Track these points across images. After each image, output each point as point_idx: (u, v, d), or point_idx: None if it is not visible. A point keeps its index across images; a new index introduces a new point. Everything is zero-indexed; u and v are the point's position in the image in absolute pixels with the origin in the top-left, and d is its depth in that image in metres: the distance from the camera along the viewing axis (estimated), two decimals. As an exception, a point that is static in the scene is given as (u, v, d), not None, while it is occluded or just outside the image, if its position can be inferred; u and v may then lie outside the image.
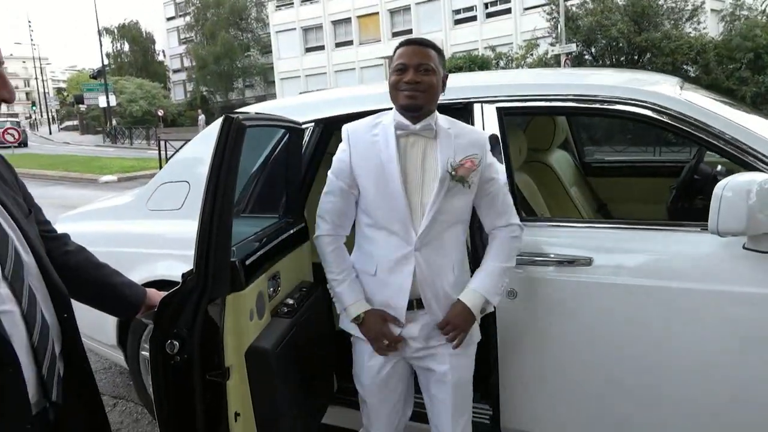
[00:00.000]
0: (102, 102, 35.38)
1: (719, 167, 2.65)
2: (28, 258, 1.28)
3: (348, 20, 36.80)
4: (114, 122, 37.69)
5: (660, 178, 3.15)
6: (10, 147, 21.65)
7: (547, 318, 1.97)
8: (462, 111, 2.19)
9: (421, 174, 1.77)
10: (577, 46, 18.32)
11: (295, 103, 2.81)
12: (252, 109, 2.90)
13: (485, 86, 2.31)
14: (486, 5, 30.83)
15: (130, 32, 55.12)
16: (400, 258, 1.76)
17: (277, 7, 41.09)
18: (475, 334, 1.86)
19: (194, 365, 1.56)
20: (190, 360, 1.55)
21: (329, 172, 1.85)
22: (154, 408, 1.64)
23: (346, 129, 1.86)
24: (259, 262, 1.81)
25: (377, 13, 35.18)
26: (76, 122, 53.57)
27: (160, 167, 13.55)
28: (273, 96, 43.90)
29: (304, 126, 2.28)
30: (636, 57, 18.21)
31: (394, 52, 1.81)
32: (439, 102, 1.79)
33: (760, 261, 1.69)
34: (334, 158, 1.85)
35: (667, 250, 1.86)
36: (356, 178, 1.80)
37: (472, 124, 2.12)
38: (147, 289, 1.63)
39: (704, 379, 1.79)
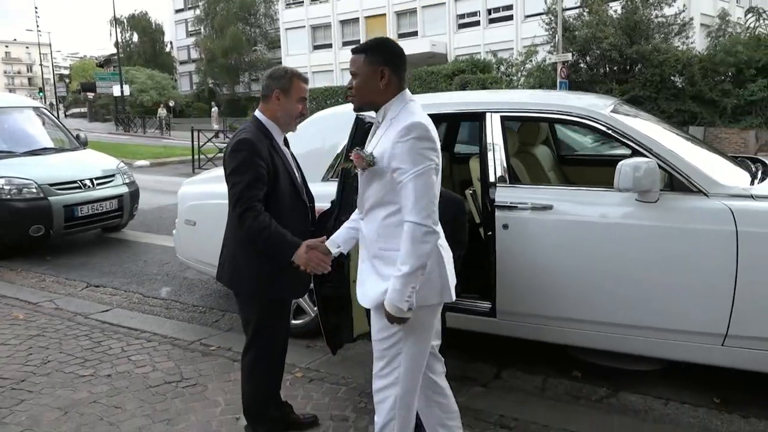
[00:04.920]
0: (116, 91, 36.52)
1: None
2: None
3: (356, 20, 37.96)
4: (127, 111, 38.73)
5: (609, 167, 4.49)
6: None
7: (527, 241, 3.30)
8: (478, 116, 3.54)
9: None
10: (573, 55, 19.47)
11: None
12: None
13: (493, 101, 3.67)
14: (489, 11, 32.08)
15: (140, 23, 56.02)
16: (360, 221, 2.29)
17: (287, 5, 42.18)
18: (439, 296, 2.15)
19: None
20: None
21: None
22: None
23: None
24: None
25: (384, 15, 36.35)
26: (82, 109, 54.46)
27: (193, 155, 14.82)
28: (279, 91, 44.97)
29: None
30: (627, 67, 19.50)
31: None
32: (461, 110, 2.89)
33: (642, 206, 3.04)
34: None
35: (595, 201, 3.22)
36: None
37: (485, 128, 3.46)
38: None
39: (613, 268, 3.12)
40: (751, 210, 2.89)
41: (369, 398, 3.15)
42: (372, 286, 2.16)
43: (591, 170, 4.52)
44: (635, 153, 3.15)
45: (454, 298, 2.21)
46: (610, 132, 3.23)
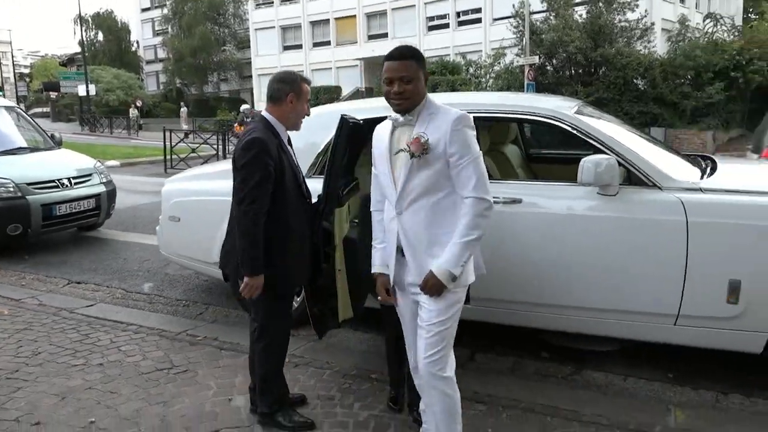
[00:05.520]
0: (81, 90, 35.87)
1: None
2: None
3: (326, 21, 38.10)
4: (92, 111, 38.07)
5: (572, 164, 4.79)
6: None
7: (498, 232, 3.54)
8: (452, 117, 3.78)
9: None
10: (540, 58, 19.97)
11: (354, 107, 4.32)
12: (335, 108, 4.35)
13: (466, 102, 3.92)
14: (458, 14, 32.58)
15: (105, 21, 55.04)
16: (392, 219, 2.38)
17: (257, 5, 42.06)
18: (466, 278, 2.33)
19: (320, 242, 3.09)
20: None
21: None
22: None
23: (376, 127, 2.52)
24: (346, 197, 3.35)
25: (355, 16, 36.58)
26: (45, 109, 53.13)
27: (165, 155, 14.77)
28: (249, 90, 44.92)
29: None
30: (592, 70, 20.06)
31: (383, 63, 2.32)
32: None
33: (603, 199, 3.31)
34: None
35: (561, 194, 3.48)
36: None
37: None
38: None
39: (577, 256, 3.38)
40: (699, 202, 3.19)
41: (354, 379, 3.37)
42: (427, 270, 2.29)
43: (556, 167, 4.80)
44: (597, 151, 3.42)
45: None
46: (574, 131, 3.50)
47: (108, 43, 54.78)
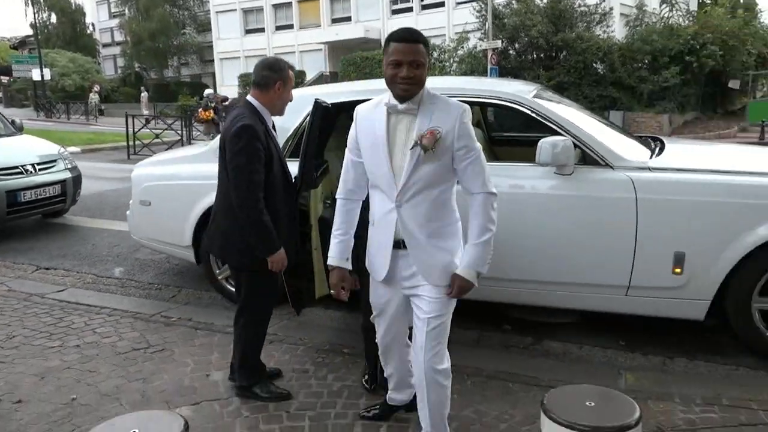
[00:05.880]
0: (36, 75, 34.75)
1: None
2: None
3: (289, 4, 37.58)
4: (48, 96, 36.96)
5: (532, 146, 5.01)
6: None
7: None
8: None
9: (404, 144, 2.20)
10: (503, 42, 20.21)
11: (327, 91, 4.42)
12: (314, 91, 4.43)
13: (434, 87, 4.05)
14: (422, -2, 32.63)
15: (58, 3, 53.21)
16: (388, 211, 2.26)
17: (217, -13, 41.29)
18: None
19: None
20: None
21: (346, 149, 2.40)
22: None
23: (357, 110, 2.36)
24: (319, 178, 3.48)
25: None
26: (-3, 95, 51.36)
27: (128, 141, 14.54)
28: (210, 75, 44.20)
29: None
30: (553, 54, 20.41)
31: (387, 43, 2.17)
32: None
33: (560, 178, 3.52)
34: (349, 136, 2.37)
35: (521, 174, 3.68)
36: (360, 150, 2.31)
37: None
38: None
39: (536, 232, 3.59)
40: (648, 180, 3.42)
41: (327, 354, 3.53)
42: (441, 260, 2.27)
43: (517, 149, 5.00)
44: (554, 133, 3.62)
45: None
46: (532, 114, 3.69)
47: (62, 25, 52.97)
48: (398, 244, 2.28)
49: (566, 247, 3.55)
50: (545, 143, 3.43)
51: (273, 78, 2.85)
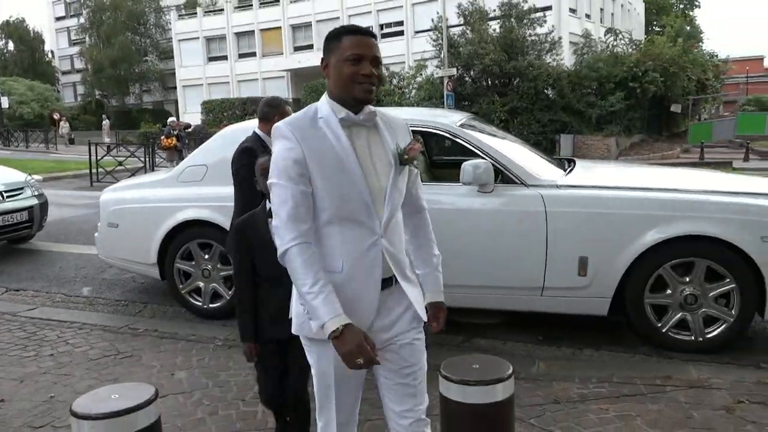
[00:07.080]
0: (-6, 103, 34.50)
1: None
2: None
3: (251, 33, 38.25)
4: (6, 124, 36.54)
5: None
6: None
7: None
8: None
9: (371, 162, 1.81)
10: (458, 69, 21.06)
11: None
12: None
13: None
14: (381, 26, 33.53)
15: (16, 30, 52.92)
16: (369, 246, 1.79)
17: (179, 15, 41.69)
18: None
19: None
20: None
21: (275, 179, 1.77)
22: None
23: (286, 127, 1.79)
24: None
25: (280, 28, 36.96)
26: (-49, 123, 50.36)
27: (90, 168, 14.71)
28: (173, 102, 44.36)
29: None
30: (507, 81, 21.36)
31: (338, 38, 1.79)
32: None
33: (482, 195, 4.07)
34: (278, 160, 1.77)
35: (449, 192, 4.22)
36: (311, 176, 1.75)
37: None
38: None
39: (463, 242, 4.12)
40: (555, 195, 4.00)
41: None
42: (420, 291, 2.00)
43: (454, 171, 5.57)
44: (476, 156, 4.18)
45: None
46: (458, 140, 4.26)
47: (20, 53, 52.68)
48: (386, 283, 1.86)
49: (490, 255, 4.08)
50: (468, 165, 3.98)
51: (272, 112, 3.52)
